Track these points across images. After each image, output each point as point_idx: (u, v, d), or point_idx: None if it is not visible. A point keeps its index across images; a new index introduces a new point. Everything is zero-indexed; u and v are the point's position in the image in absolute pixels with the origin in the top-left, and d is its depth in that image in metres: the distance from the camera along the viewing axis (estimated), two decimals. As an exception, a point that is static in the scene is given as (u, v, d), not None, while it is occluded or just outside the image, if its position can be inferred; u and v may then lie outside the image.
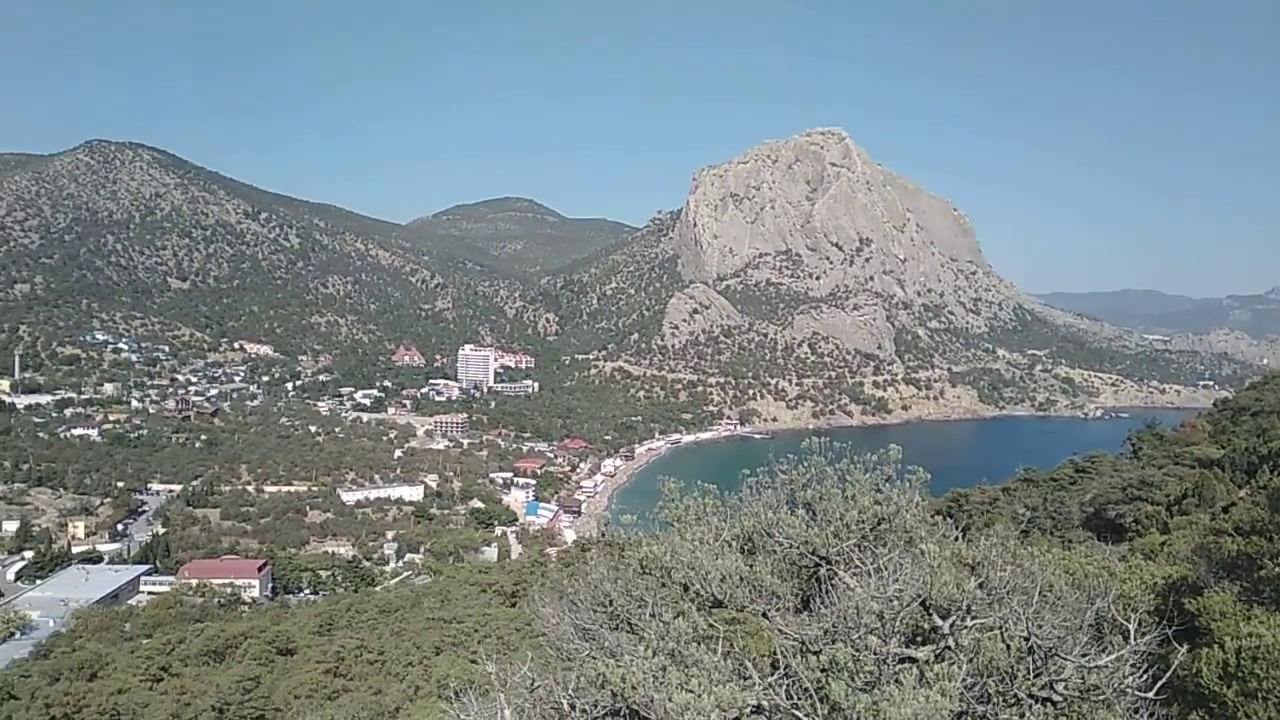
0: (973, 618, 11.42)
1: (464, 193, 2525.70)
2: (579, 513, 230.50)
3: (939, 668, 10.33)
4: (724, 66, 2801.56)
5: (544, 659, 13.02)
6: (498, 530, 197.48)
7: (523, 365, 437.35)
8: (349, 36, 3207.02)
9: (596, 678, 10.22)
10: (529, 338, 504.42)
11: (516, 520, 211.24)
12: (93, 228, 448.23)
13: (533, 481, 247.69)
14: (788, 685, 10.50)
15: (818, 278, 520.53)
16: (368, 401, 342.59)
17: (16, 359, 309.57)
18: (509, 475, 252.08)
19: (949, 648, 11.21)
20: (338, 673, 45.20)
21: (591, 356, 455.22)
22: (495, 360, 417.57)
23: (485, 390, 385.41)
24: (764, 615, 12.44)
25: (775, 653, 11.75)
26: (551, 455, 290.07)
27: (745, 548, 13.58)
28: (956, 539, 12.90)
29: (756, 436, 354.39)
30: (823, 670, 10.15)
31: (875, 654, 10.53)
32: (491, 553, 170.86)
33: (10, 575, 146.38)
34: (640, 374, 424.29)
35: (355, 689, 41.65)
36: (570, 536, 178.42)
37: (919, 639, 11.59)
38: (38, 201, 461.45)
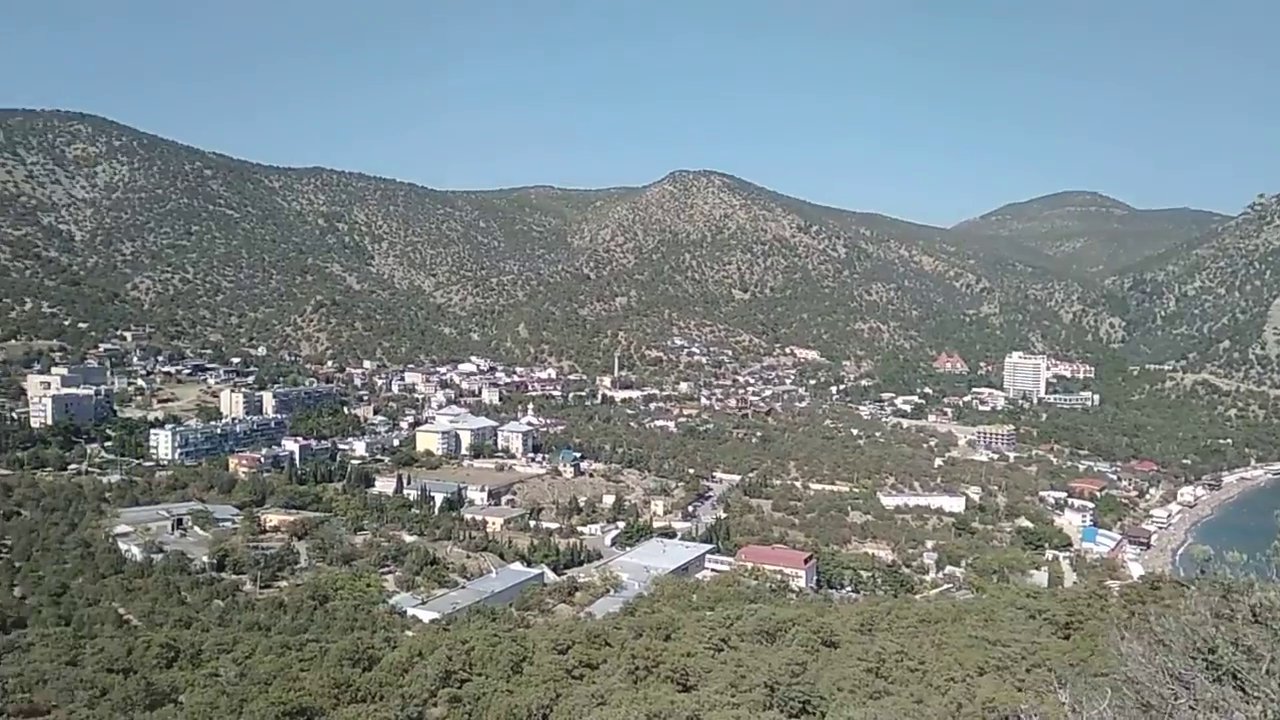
0: None
1: (1015, 190, 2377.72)
2: (1147, 544, 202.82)
3: None
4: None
5: (1119, 700, 11.49)
6: (1048, 554, 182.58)
7: (1079, 375, 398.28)
8: (905, 51, 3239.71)
9: (1196, 736, 8.65)
10: (1087, 345, 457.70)
11: (1070, 545, 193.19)
12: (674, 247, 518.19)
13: (1090, 504, 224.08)
14: None
15: None
16: (907, 408, 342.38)
17: (616, 360, 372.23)
18: (1062, 495, 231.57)
19: None
20: (879, 673, 45.54)
21: (1166, 367, 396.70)
22: (1047, 369, 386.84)
23: (1035, 401, 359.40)
24: None
25: None
26: (1114, 477, 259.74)
27: None
28: None
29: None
30: None
31: None
32: (1041, 577, 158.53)
33: (608, 541, 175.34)
34: (1231, 389, 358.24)
35: (896, 693, 41.59)
36: (1136, 570, 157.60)
37: None
38: (634, 227, 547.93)
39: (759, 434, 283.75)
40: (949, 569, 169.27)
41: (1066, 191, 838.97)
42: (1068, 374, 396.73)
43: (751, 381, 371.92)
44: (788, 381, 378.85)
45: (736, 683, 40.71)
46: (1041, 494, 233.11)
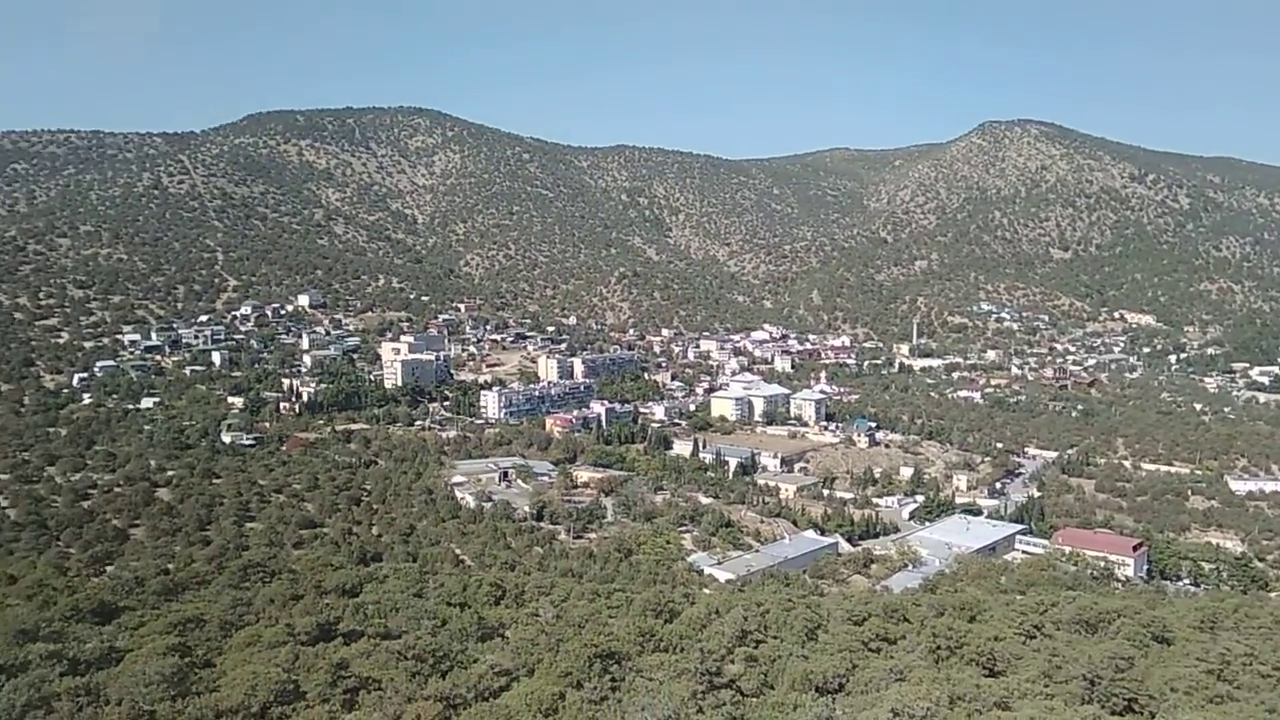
0: None
1: None
2: None
3: None
4: None
5: None
6: None
7: None
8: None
9: None
10: None
11: None
12: (981, 205, 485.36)
13: None
14: None
15: None
16: (1265, 380, 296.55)
17: (914, 326, 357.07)
18: None
19: None
20: (1221, 676, 40.29)
21: None
22: None
23: None
24: None
25: None
26: None
27: None
28: None
29: None
30: None
31: None
32: None
33: (905, 514, 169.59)
34: None
35: (1242, 700, 36.65)
36: None
37: None
38: (936, 186, 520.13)
39: (1079, 407, 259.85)
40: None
41: None
42: None
43: (1071, 349, 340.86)
44: (1115, 349, 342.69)
45: (1050, 673, 37.86)
46: None
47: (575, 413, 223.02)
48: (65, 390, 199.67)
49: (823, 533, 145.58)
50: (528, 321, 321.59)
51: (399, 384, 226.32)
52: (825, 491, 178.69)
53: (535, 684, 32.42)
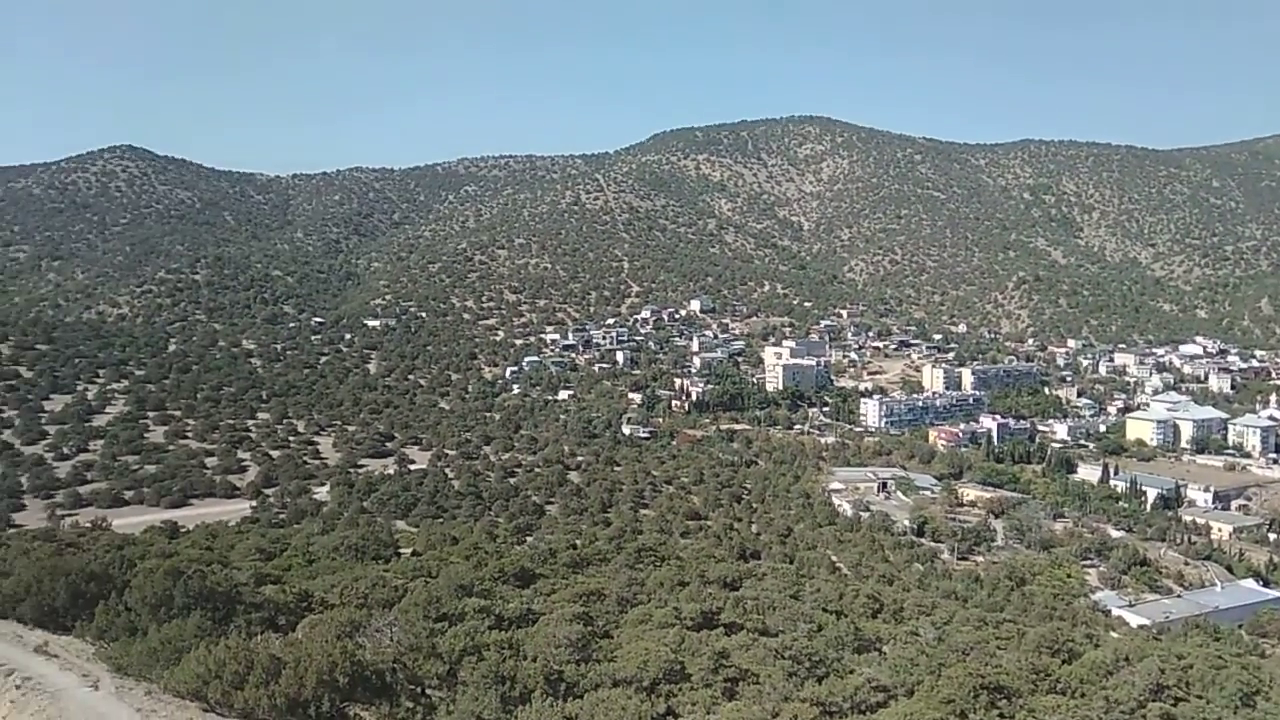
0: None
1: None
2: None
3: None
4: None
5: None
6: None
7: None
8: None
9: None
10: None
11: None
12: None
13: None
14: None
15: None
16: None
17: None
18: None
19: None
20: None
21: None
22: None
23: None
24: None
25: None
26: None
27: None
28: None
29: None
30: None
31: None
32: None
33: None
34: None
35: None
36: None
37: None
38: None
39: None
40: None
41: None
42: None
43: None
44: None
45: None
46: None
47: (961, 426, 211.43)
48: (499, 381, 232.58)
49: (1267, 584, 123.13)
50: (912, 329, 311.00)
51: (779, 388, 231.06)
52: (1272, 536, 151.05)
53: (915, 705, 31.05)
